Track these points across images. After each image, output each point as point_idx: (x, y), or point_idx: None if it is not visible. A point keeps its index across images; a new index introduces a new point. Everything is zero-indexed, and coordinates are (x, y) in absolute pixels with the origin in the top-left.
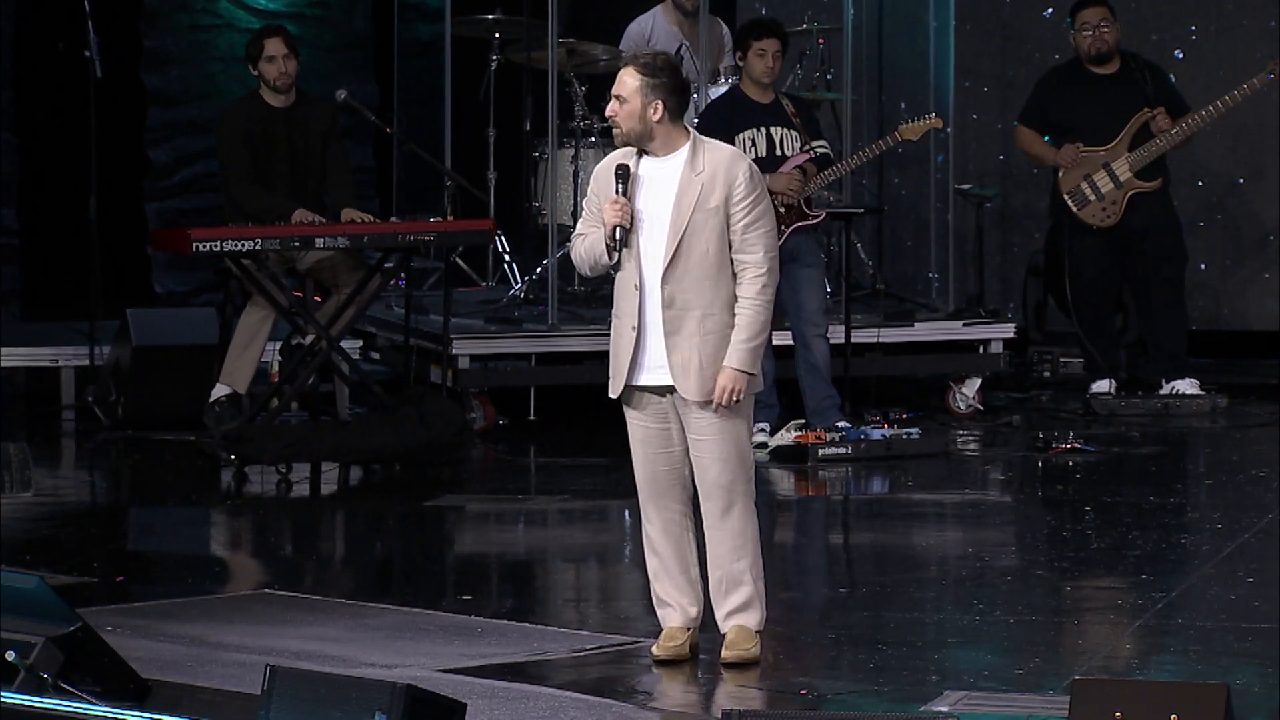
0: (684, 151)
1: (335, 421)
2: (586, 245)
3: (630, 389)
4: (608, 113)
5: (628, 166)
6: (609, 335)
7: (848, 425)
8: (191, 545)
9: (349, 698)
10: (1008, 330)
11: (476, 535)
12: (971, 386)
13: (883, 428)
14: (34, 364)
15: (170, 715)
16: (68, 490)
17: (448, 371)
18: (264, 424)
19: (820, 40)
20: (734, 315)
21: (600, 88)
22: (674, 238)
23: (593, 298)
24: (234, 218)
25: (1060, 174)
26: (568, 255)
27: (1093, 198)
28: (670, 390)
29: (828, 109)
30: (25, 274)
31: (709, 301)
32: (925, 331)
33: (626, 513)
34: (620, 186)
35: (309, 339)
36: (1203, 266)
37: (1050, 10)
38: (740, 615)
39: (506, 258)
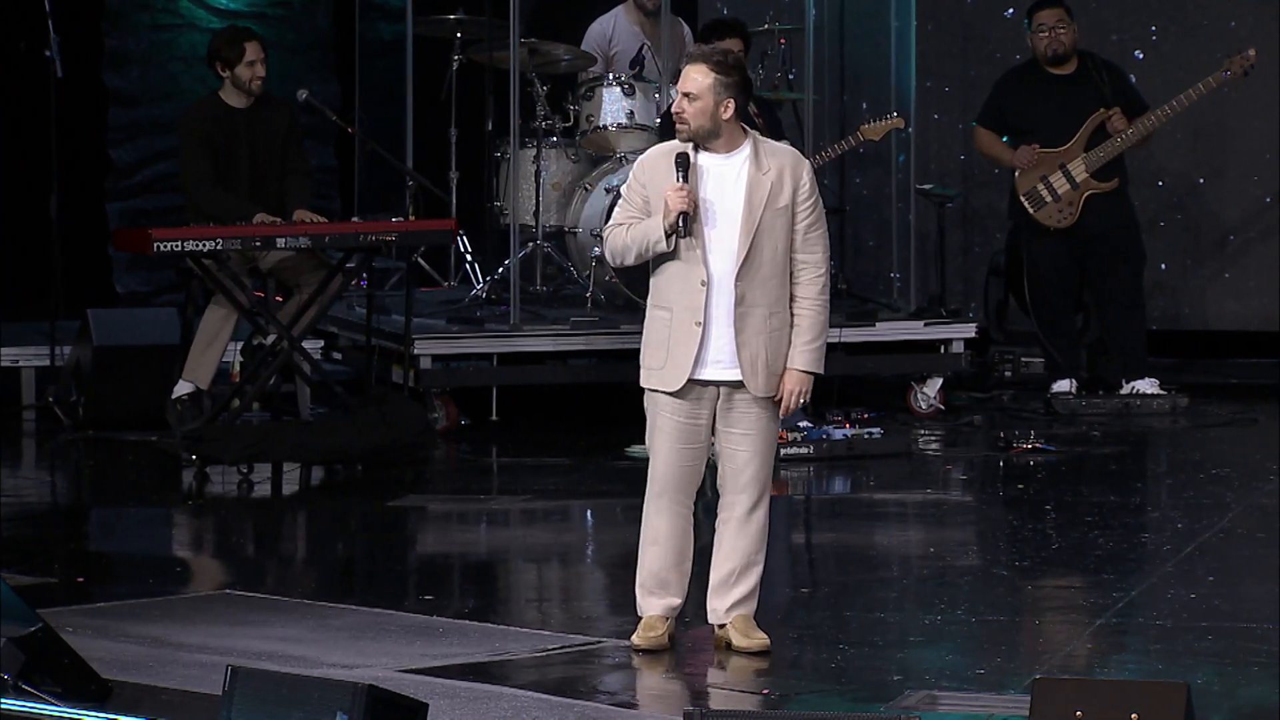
0: (746, 149)
1: (297, 422)
2: (634, 233)
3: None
4: (674, 109)
5: (688, 155)
6: (573, 335)
7: (810, 425)
8: (153, 546)
9: (310, 698)
10: (969, 330)
11: (439, 535)
12: (933, 386)
13: (844, 428)
14: None
15: (131, 716)
16: (28, 491)
17: (409, 371)
18: (225, 424)
19: (782, 40)
20: (792, 314)
21: (562, 88)
22: (747, 235)
23: (554, 298)
24: (195, 218)
25: (1017, 175)
26: (529, 255)
27: (1049, 199)
28: (722, 384)
29: (789, 109)
30: None
31: (775, 299)
32: (887, 331)
33: (589, 512)
34: (682, 175)
35: (270, 339)
36: (1163, 266)
37: (1011, 10)
38: (744, 605)
39: (468, 258)
